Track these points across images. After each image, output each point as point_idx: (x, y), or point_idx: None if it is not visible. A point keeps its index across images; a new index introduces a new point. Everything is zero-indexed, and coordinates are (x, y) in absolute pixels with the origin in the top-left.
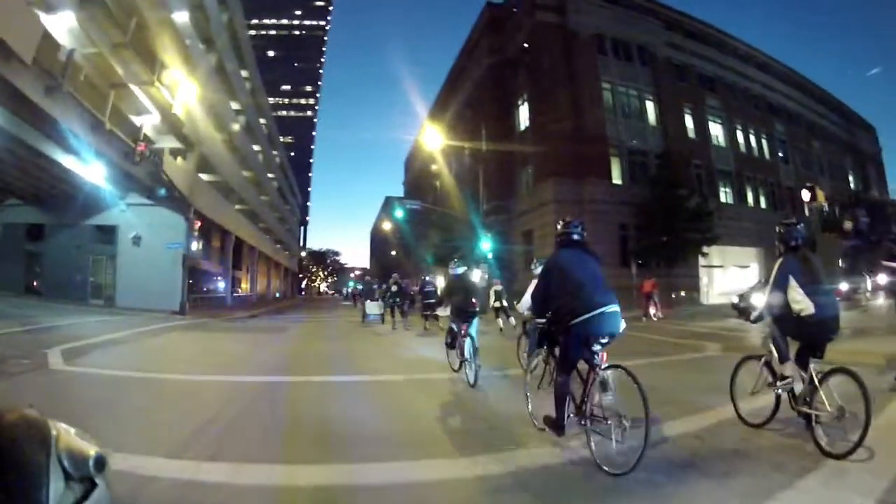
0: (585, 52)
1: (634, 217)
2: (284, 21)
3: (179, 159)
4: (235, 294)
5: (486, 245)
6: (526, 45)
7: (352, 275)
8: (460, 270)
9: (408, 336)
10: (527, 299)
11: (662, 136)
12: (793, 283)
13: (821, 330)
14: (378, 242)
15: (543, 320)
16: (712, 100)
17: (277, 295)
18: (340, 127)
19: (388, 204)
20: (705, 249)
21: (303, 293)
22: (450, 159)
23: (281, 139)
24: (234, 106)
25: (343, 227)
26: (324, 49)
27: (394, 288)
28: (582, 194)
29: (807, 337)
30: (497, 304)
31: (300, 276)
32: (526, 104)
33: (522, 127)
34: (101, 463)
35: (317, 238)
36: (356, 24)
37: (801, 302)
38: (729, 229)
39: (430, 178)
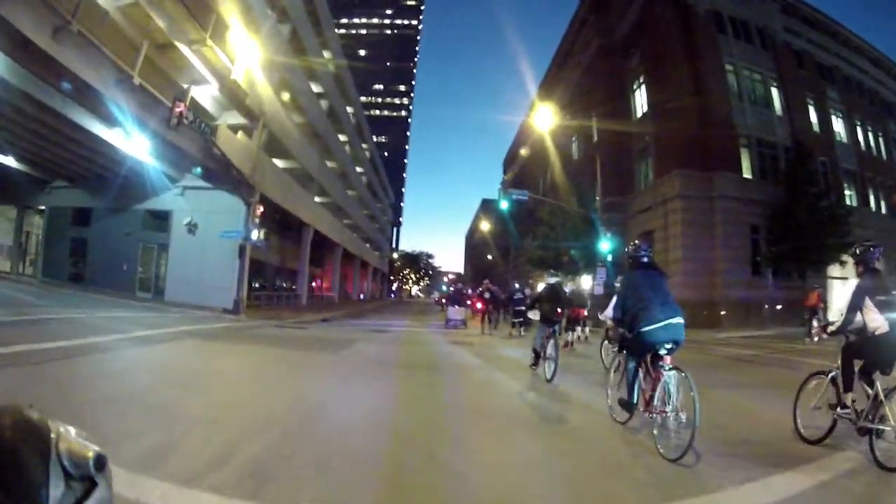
0: (705, 30)
1: (766, 218)
2: (375, 20)
3: (241, 134)
4: (313, 293)
5: (605, 245)
6: (639, 22)
7: (445, 279)
8: (553, 280)
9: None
10: (609, 310)
11: (789, 128)
12: (868, 303)
13: (891, 347)
14: (473, 247)
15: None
16: (832, 92)
17: (362, 297)
18: (435, 128)
19: (486, 206)
20: (843, 257)
21: (393, 295)
22: (556, 155)
23: (374, 138)
24: (315, 88)
25: (437, 232)
26: (417, 48)
27: (486, 295)
28: (711, 189)
29: (877, 354)
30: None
31: (391, 277)
32: (643, 87)
33: (639, 114)
34: (101, 462)
35: (410, 241)
36: (449, 24)
37: (877, 320)
38: (853, 236)
39: (533, 176)
